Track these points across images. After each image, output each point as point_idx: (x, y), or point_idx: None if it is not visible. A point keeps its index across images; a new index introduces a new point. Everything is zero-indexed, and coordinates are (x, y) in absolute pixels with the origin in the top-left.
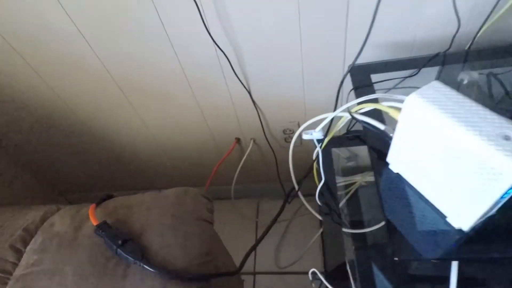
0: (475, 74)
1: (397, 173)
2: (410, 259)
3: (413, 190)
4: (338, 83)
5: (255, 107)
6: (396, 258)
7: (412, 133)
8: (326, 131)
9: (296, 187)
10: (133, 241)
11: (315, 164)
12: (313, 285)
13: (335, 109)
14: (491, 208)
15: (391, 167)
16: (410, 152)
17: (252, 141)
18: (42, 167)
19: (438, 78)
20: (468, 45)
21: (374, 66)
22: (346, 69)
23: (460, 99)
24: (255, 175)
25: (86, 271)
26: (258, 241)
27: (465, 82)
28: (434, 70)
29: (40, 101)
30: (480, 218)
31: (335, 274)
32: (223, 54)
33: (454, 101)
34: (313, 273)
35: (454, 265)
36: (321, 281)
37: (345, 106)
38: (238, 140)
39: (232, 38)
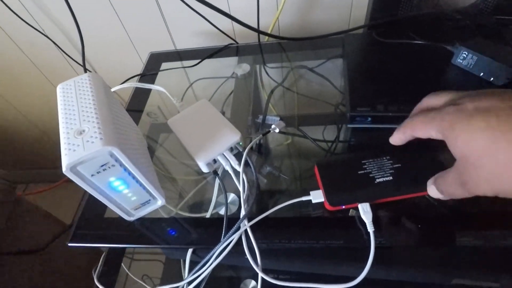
0: (247, 67)
1: None
2: None
3: None
4: None
5: None
6: None
7: None
8: None
9: None
10: None
11: None
12: None
13: None
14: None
15: None
16: None
17: None
18: None
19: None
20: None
21: (166, 54)
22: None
23: (84, 94)
24: None
25: None
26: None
27: (239, 74)
28: (221, 61)
29: None
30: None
31: None
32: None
33: (78, 95)
34: None
35: None
36: None
37: None
38: None
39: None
